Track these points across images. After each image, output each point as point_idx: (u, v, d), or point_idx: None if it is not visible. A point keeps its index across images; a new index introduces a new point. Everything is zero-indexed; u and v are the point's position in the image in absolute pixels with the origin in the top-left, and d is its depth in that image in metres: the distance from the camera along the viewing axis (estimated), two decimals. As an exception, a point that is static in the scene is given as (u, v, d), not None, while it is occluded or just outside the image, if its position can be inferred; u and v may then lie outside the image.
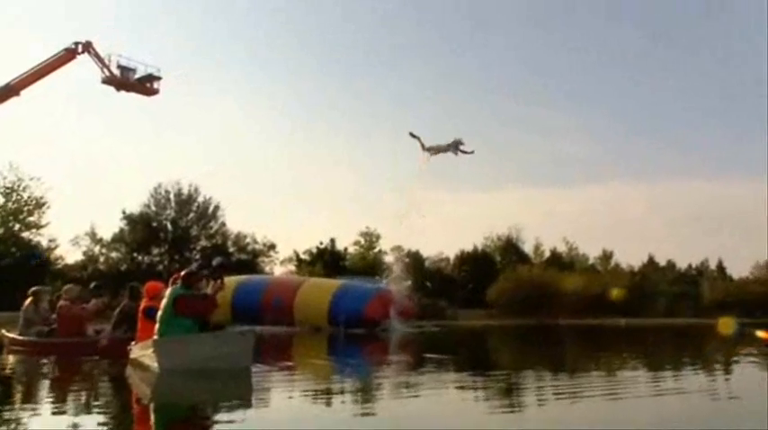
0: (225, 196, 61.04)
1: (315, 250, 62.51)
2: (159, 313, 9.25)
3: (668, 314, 51.15)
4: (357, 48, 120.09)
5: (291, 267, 61.81)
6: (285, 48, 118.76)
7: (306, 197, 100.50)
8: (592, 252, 71.50)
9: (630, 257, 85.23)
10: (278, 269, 60.98)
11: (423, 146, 15.64)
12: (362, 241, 65.49)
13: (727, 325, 24.20)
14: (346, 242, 65.09)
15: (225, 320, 25.84)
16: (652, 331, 31.08)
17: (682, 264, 72.93)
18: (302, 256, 62.77)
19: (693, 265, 74.66)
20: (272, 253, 61.40)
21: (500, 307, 52.21)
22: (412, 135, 15.69)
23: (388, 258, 65.03)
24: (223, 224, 58.36)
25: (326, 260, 59.82)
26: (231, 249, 57.86)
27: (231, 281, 29.45)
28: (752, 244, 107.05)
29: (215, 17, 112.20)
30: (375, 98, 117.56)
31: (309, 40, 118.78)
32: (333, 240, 63.26)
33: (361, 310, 26.36)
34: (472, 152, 16.09)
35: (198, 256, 52.29)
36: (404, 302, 28.85)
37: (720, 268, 75.87)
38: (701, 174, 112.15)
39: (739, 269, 79.46)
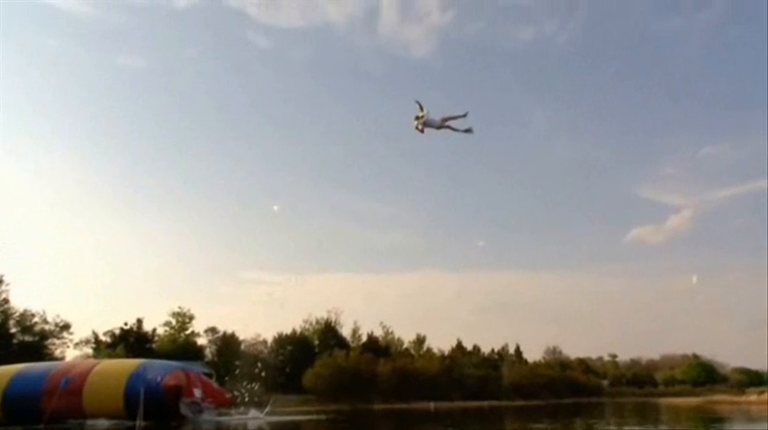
0: (10, 269, 53.99)
1: (118, 331, 56.59)
2: None
3: (473, 397, 54.18)
4: (169, 128, 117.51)
5: (88, 350, 55.07)
6: (91, 122, 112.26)
7: (111, 274, 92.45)
8: (407, 336, 74.60)
9: (441, 342, 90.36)
10: (71, 353, 54.02)
11: (420, 117, 13.94)
12: (174, 322, 60.89)
13: None
14: (155, 322, 60.14)
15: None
16: (458, 414, 32.45)
17: (486, 349, 78.96)
18: (102, 338, 56.36)
19: (495, 350, 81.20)
20: (65, 334, 54.29)
21: (316, 392, 51.25)
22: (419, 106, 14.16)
23: (202, 340, 61.32)
24: (6, 300, 50.45)
25: (131, 342, 54.37)
26: (13, 330, 50.08)
27: (5, 371, 25.10)
28: (545, 329, 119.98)
29: (20, 84, 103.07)
30: (192, 179, 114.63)
31: (119, 118, 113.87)
32: (140, 320, 57.98)
33: (160, 381, 23.40)
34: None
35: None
36: (214, 387, 26.89)
37: (518, 352, 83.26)
38: (504, 266, 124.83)
39: (534, 353, 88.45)
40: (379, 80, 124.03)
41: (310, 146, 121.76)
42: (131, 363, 26.10)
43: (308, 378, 52.33)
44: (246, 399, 35.68)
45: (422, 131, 13.96)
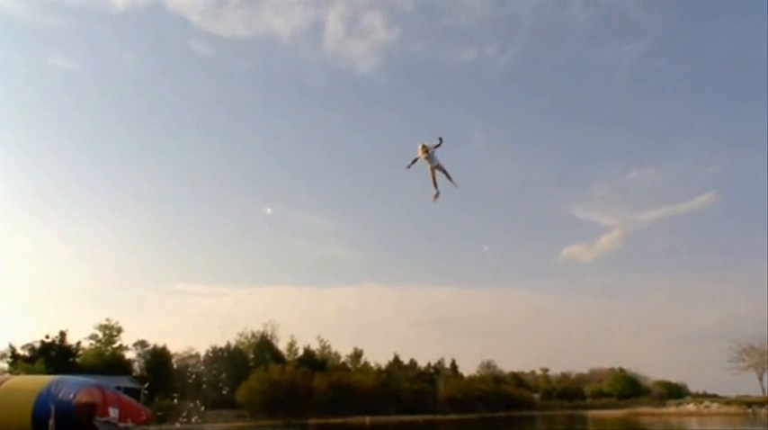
0: None
1: (38, 344, 53.43)
2: None
3: (409, 411, 54.26)
4: (102, 132, 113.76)
5: (3, 365, 51.71)
6: (18, 124, 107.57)
7: (35, 282, 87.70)
8: (344, 350, 74.23)
9: (378, 356, 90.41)
10: (-16, 368, 50.59)
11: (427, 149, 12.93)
12: (100, 334, 58.14)
13: None
14: (81, 335, 57.27)
15: None
16: (393, 428, 32.50)
17: (422, 363, 79.52)
18: (20, 352, 53.08)
19: (432, 364, 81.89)
20: (-23, 348, 50.91)
21: (250, 407, 50.06)
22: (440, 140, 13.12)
23: (131, 354, 58.87)
24: None
25: (52, 356, 51.47)
26: None
27: None
28: (480, 344, 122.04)
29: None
30: (125, 186, 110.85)
31: (48, 120, 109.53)
32: (63, 333, 55.01)
33: (72, 399, 22.17)
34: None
35: None
36: (133, 405, 25.82)
37: (454, 367, 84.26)
38: (442, 281, 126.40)
39: (469, 367, 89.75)
40: (323, 93, 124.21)
41: (250, 157, 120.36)
42: (43, 380, 24.73)
43: (242, 392, 51.06)
44: (184, 415, 34.56)
45: (408, 166, 13.23)
